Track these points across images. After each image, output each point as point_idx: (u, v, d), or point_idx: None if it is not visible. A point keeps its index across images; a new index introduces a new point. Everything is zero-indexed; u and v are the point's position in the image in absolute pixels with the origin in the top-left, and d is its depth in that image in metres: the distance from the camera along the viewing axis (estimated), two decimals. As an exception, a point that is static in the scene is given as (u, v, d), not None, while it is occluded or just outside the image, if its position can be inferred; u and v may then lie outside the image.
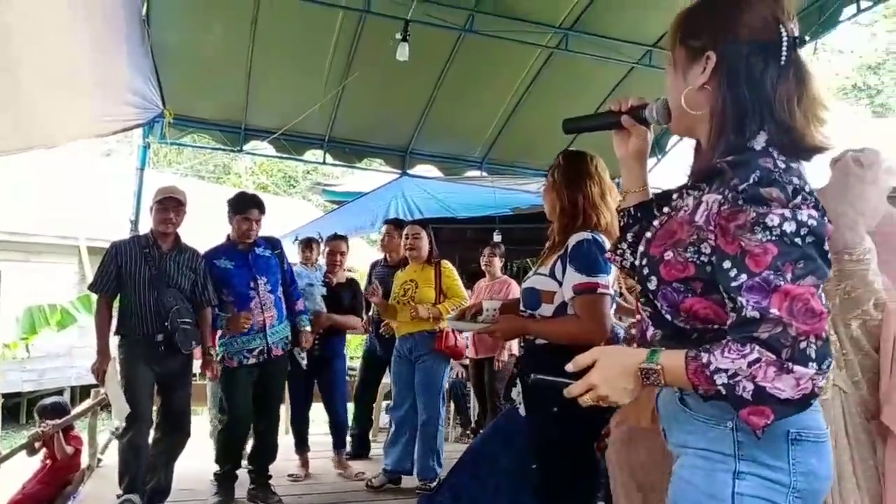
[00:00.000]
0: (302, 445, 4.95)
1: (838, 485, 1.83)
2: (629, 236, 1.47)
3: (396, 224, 5.23)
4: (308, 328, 4.42)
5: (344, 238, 5.29)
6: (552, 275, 2.48)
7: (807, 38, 5.28)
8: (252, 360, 4.05)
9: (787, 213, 1.13)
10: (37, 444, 4.56)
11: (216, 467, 4.16)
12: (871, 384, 1.96)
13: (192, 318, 3.84)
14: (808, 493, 1.23)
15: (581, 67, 5.51)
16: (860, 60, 17.09)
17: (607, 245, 2.39)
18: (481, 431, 4.61)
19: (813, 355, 1.09)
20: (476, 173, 6.50)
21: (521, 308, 2.62)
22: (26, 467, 4.71)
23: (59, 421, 4.60)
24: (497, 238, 7.62)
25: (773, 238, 1.12)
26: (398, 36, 4.69)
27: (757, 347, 1.10)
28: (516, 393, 2.94)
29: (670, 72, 1.36)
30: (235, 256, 4.10)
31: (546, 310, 2.49)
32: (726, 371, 1.11)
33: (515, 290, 5.30)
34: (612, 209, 2.48)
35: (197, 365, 4.36)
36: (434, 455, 4.52)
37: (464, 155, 6.41)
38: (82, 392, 10.13)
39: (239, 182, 19.64)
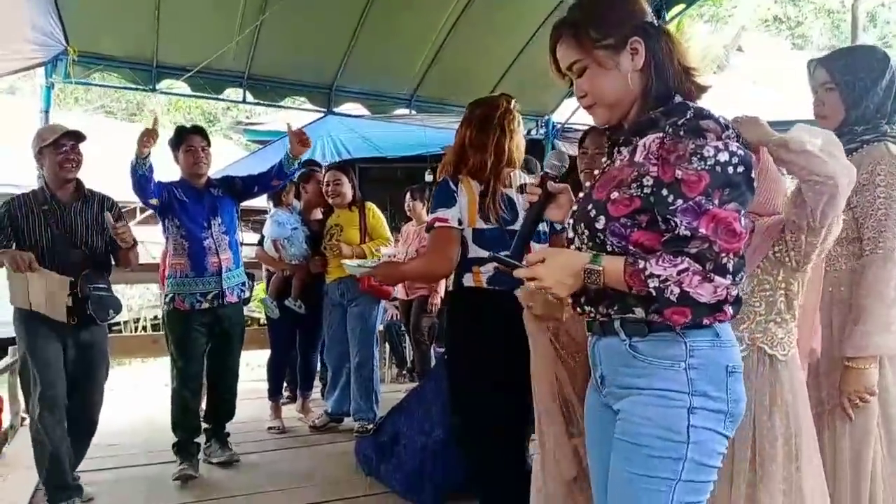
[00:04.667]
0: (276, 394, 4.90)
1: None
2: None
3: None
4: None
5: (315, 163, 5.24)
6: None
7: None
8: (206, 305, 3.78)
9: (721, 144, 1.33)
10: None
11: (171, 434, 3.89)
12: None
13: (106, 283, 3.39)
14: (735, 415, 1.46)
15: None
16: (781, -9, 17.41)
17: (460, 186, 2.55)
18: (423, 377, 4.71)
19: (731, 268, 1.31)
20: (405, 111, 6.35)
21: None
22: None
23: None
24: (428, 178, 7.54)
25: (707, 167, 1.32)
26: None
27: (687, 259, 1.31)
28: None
29: (597, 74, 1.50)
30: (190, 194, 3.80)
31: None
32: (658, 276, 1.31)
33: None
34: (487, 148, 2.59)
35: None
36: (371, 397, 4.59)
37: (391, 92, 6.23)
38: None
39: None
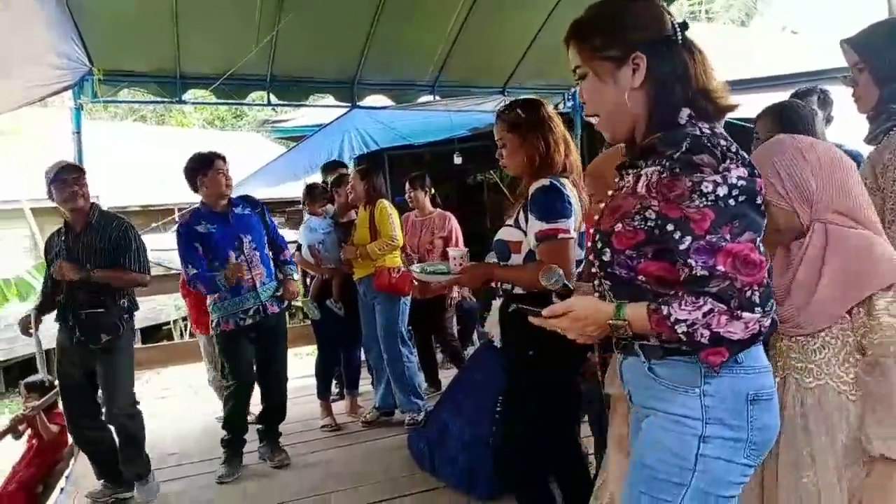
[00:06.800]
0: (325, 392, 4.99)
1: None
2: None
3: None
4: (295, 276, 4.30)
5: (342, 164, 5.45)
6: (517, 225, 2.52)
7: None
8: (249, 321, 3.96)
9: (719, 178, 1.28)
10: (20, 427, 4.55)
11: (214, 430, 4.19)
12: None
13: (105, 306, 3.62)
14: (761, 445, 1.42)
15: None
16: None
17: (567, 189, 2.46)
18: (464, 364, 4.73)
19: (757, 300, 1.27)
20: (429, 97, 6.29)
21: (494, 259, 2.66)
22: (12, 445, 4.68)
23: (38, 402, 4.56)
24: (458, 160, 7.53)
25: (710, 203, 1.28)
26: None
27: (710, 300, 1.27)
28: (490, 325, 3.01)
29: (595, 85, 1.46)
30: (214, 219, 3.91)
31: (516, 259, 2.54)
32: (685, 321, 1.28)
33: (457, 226, 5.26)
34: (572, 149, 2.58)
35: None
36: (408, 390, 4.64)
37: (414, 80, 6.17)
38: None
39: (183, 119, 18.97)
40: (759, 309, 1.27)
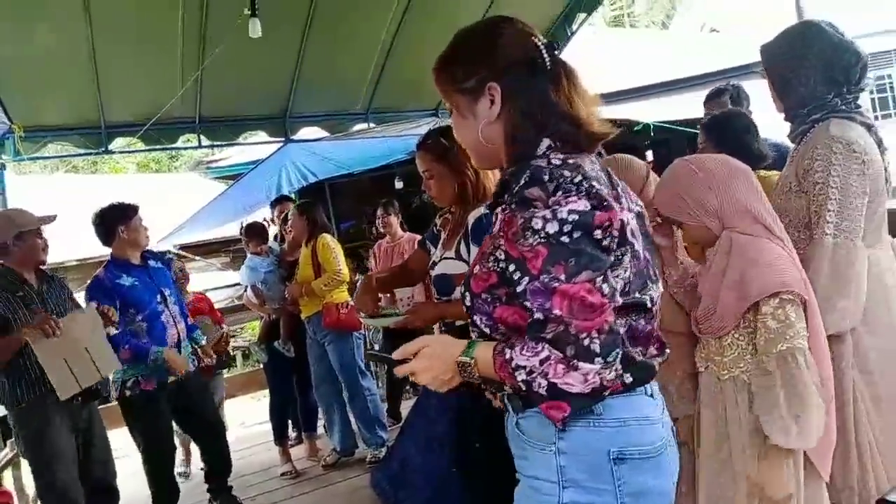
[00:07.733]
0: (281, 438, 4.83)
1: None
2: None
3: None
4: (203, 342, 4.03)
5: (289, 198, 5.31)
6: (458, 256, 2.43)
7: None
8: (171, 378, 3.60)
9: (548, 213, 1.16)
10: (-40, 511, 4.30)
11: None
12: None
13: None
14: None
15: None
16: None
17: None
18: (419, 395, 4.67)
19: (597, 350, 1.13)
20: (363, 126, 6.27)
21: (436, 295, 2.58)
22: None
23: (-22, 483, 4.32)
24: (399, 184, 7.49)
25: (542, 240, 1.15)
26: (247, 11, 4.34)
27: (546, 346, 1.15)
28: None
29: (457, 120, 1.37)
30: (135, 272, 3.62)
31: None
32: (524, 368, 1.15)
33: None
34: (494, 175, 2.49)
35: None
36: (373, 424, 4.56)
37: (346, 110, 6.15)
38: None
39: (116, 166, 18.51)
40: (599, 359, 1.13)
